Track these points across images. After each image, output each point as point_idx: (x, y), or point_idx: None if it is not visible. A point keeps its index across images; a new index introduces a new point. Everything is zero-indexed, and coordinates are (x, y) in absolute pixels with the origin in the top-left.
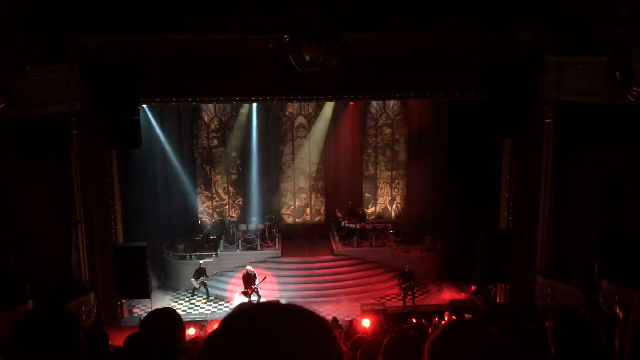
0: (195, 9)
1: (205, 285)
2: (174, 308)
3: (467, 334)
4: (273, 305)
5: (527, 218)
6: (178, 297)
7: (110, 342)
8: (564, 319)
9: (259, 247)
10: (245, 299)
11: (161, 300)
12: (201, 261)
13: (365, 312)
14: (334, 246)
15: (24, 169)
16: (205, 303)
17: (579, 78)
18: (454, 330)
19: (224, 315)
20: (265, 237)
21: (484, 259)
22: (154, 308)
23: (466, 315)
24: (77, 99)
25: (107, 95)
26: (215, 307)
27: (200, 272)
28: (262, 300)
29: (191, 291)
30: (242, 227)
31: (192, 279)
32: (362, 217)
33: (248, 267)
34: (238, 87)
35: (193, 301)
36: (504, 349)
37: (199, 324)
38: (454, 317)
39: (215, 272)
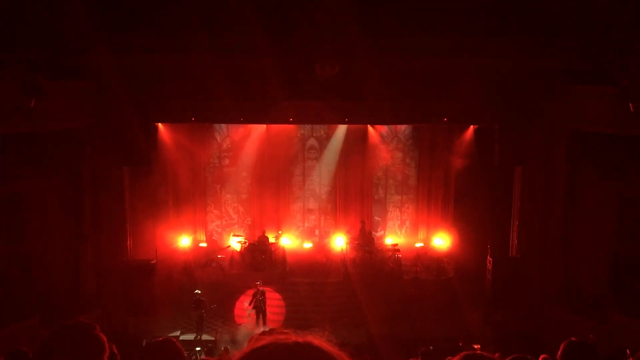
0: (210, 30)
1: (202, 320)
2: (181, 330)
3: None
4: (289, 344)
5: (538, 246)
6: (186, 315)
7: None
8: (573, 350)
9: (266, 267)
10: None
11: (169, 320)
12: (198, 290)
13: (372, 338)
14: (343, 268)
15: (36, 182)
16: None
17: (592, 107)
18: None
19: (232, 338)
20: (273, 257)
21: (493, 286)
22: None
23: (475, 346)
24: (91, 115)
25: (121, 112)
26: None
27: (198, 304)
28: (268, 326)
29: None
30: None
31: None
32: (371, 240)
33: (257, 283)
34: (250, 108)
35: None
36: None
37: (206, 344)
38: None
39: (214, 305)
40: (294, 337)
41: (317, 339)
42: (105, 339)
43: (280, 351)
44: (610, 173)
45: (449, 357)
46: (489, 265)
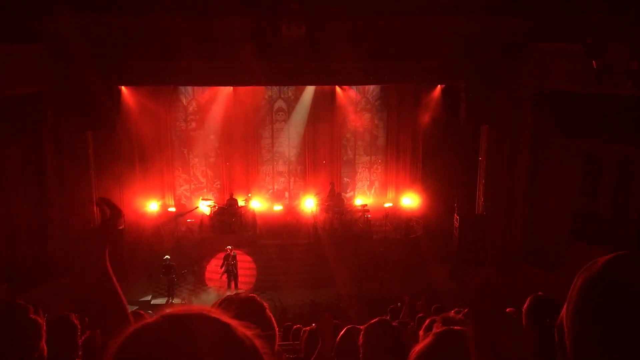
0: None
1: (173, 285)
2: (152, 294)
3: (455, 348)
4: (179, 315)
5: (503, 204)
6: (155, 280)
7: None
8: (538, 304)
9: (237, 230)
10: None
11: (139, 285)
12: (167, 256)
13: (341, 297)
14: (312, 230)
15: None
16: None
17: (557, 66)
18: (441, 343)
19: (203, 302)
20: (243, 220)
21: (460, 243)
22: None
23: (453, 313)
24: (52, 79)
25: (83, 75)
26: (195, 292)
27: (168, 269)
28: (240, 289)
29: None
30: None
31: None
32: (341, 201)
33: (228, 247)
34: (216, 69)
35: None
36: None
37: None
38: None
39: (184, 270)
40: (187, 307)
41: (211, 310)
42: (42, 322)
43: (168, 322)
44: (574, 131)
45: (419, 315)
46: (456, 223)
